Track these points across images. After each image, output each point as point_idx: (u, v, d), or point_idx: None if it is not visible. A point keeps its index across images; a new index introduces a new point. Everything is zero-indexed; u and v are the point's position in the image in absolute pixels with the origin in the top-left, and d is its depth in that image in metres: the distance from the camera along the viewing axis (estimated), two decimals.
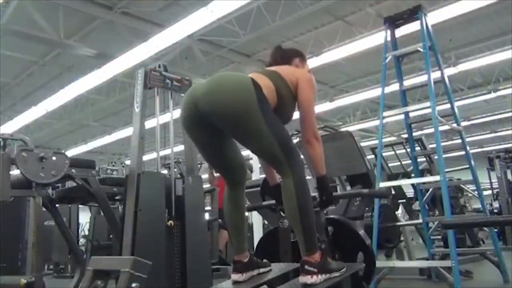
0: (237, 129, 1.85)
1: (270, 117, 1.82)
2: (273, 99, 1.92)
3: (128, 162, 3.86)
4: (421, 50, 3.65)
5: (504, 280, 3.68)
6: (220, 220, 5.13)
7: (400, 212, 6.79)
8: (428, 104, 3.52)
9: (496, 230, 6.46)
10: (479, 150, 15.50)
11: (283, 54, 2.25)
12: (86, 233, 8.29)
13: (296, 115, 2.07)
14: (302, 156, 2.15)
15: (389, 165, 5.38)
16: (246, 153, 3.83)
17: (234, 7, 6.05)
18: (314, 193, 2.07)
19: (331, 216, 2.35)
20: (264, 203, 2.62)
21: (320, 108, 10.92)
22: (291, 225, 1.92)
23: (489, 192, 9.48)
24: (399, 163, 5.55)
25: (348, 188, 4.36)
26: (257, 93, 1.80)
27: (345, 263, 2.02)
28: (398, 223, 4.48)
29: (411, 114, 4.19)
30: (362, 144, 4.36)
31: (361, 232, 2.34)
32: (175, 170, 3.52)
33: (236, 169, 2.06)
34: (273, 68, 2.09)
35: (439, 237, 5.65)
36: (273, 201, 2.43)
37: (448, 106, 3.92)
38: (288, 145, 1.87)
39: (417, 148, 4.80)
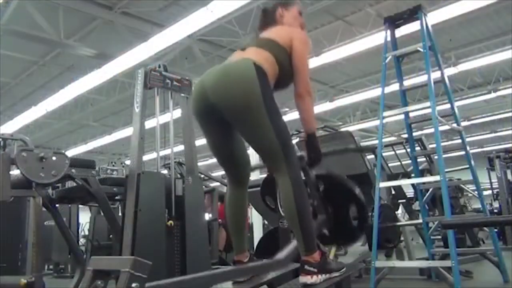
0: (241, 121, 1.87)
1: (273, 112, 1.84)
2: (275, 70, 1.96)
3: (128, 162, 3.85)
4: (421, 50, 3.65)
5: (504, 280, 3.67)
6: (220, 220, 5.14)
7: (400, 212, 6.79)
8: (428, 104, 3.51)
9: (496, 230, 6.45)
10: (479, 150, 15.50)
11: (270, 15, 2.24)
12: (86, 233, 8.29)
13: (293, 115, 2.07)
14: (302, 153, 2.14)
15: (389, 165, 5.38)
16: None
17: (234, 7, 6.05)
18: (300, 153, 2.07)
19: (321, 172, 2.30)
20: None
21: (320, 108, 10.92)
22: (289, 226, 1.93)
23: (489, 192, 9.48)
24: (399, 163, 5.55)
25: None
26: (260, 81, 1.82)
27: (345, 263, 2.02)
28: (398, 223, 4.47)
29: (411, 114, 4.18)
30: (362, 144, 4.36)
31: (352, 185, 2.32)
32: (175, 170, 3.52)
33: (242, 167, 2.07)
34: (268, 35, 2.08)
35: (439, 237, 5.64)
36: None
37: (448, 106, 3.91)
38: (288, 143, 1.89)
39: (417, 148, 4.80)
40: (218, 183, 5.81)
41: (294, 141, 4.51)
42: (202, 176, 4.50)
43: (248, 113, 1.82)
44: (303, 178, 2.03)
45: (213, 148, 2.05)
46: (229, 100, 1.83)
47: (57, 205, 3.41)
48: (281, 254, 2.01)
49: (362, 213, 2.26)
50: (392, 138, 11.56)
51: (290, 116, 9.92)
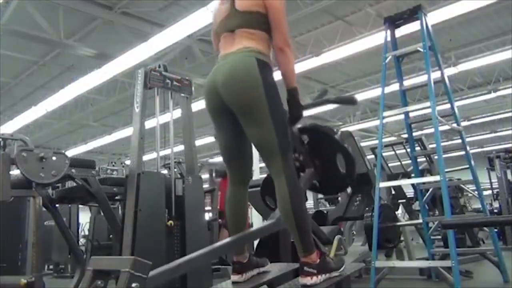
0: (245, 117, 1.92)
1: (275, 109, 1.89)
2: (269, 42, 2.00)
3: (128, 162, 3.85)
4: (421, 50, 3.65)
5: (504, 280, 3.67)
6: (220, 220, 5.13)
7: (400, 212, 6.79)
8: (428, 104, 3.51)
9: (496, 230, 6.45)
10: (479, 150, 15.50)
11: None
12: (86, 233, 8.29)
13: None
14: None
15: (389, 165, 5.38)
16: None
17: None
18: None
19: (303, 125, 2.28)
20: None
21: (320, 108, 10.91)
22: (286, 226, 1.93)
23: (489, 192, 9.48)
24: (399, 163, 5.55)
25: (348, 189, 4.36)
26: (264, 79, 1.87)
27: (345, 262, 2.02)
28: (398, 223, 4.47)
29: (411, 114, 4.18)
30: (362, 144, 4.36)
31: (336, 135, 2.32)
32: (175, 170, 3.51)
33: (246, 167, 2.10)
34: (244, 6, 2.00)
35: (439, 237, 5.65)
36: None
37: (448, 106, 3.91)
38: (287, 143, 1.92)
39: (417, 148, 4.80)
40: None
41: None
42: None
43: (251, 109, 1.88)
44: None
45: (222, 143, 2.08)
46: (236, 98, 1.90)
47: (57, 205, 3.41)
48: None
49: (348, 161, 2.25)
50: (392, 138, 11.59)
51: None
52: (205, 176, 5.04)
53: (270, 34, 2.00)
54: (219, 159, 2.24)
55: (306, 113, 2.08)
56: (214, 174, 5.73)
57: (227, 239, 2.01)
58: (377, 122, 8.92)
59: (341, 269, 1.95)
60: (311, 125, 2.31)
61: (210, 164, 5.47)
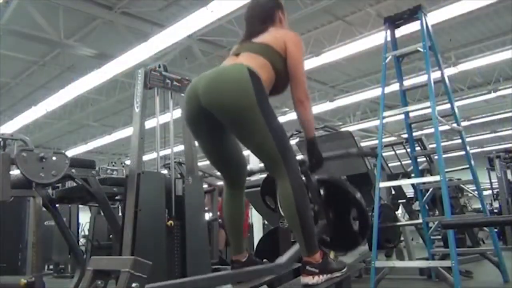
0: (237, 125, 1.85)
1: (269, 115, 1.82)
2: (271, 76, 1.93)
3: (128, 162, 3.85)
4: (421, 50, 3.65)
5: (504, 280, 3.67)
6: (220, 220, 5.13)
7: (400, 212, 6.79)
8: (428, 104, 3.51)
9: (496, 230, 6.45)
10: (479, 150, 15.49)
11: (263, 14, 2.18)
12: (86, 233, 8.29)
13: (292, 116, 2.06)
14: (302, 156, 2.14)
15: (389, 165, 5.38)
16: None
17: (234, 7, 6.05)
18: (300, 156, 2.06)
19: (322, 177, 2.29)
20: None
21: (320, 108, 10.91)
22: (290, 227, 1.92)
23: (489, 192, 9.48)
24: (399, 163, 5.55)
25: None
26: (254, 85, 1.79)
27: (346, 263, 2.02)
28: (398, 223, 4.47)
29: (411, 114, 4.18)
30: (362, 144, 4.36)
31: (353, 189, 2.30)
32: (175, 170, 3.52)
33: (237, 166, 2.06)
34: (262, 40, 2.03)
35: (439, 237, 5.64)
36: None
37: (448, 106, 3.91)
38: (286, 145, 1.87)
39: (417, 148, 4.80)
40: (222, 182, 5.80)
41: (294, 141, 4.53)
42: (204, 174, 4.48)
43: (243, 117, 1.79)
44: (305, 182, 2.02)
45: (205, 152, 2.04)
46: (222, 104, 1.79)
47: (57, 205, 3.41)
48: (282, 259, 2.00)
49: (363, 219, 2.24)
50: (392, 138, 11.58)
51: (290, 116, 9.93)
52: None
53: (274, 65, 1.94)
54: None
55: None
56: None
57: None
58: (377, 122, 8.92)
59: (343, 270, 1.95)
60: (329, 177, 2.32)
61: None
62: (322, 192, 2.27)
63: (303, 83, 1.98)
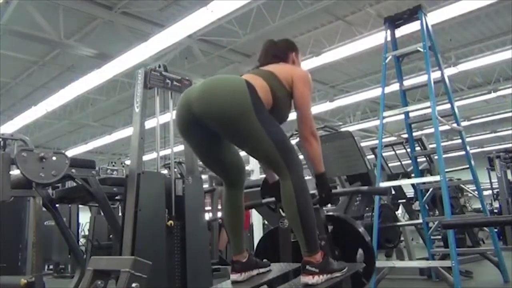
0: (233, 132, 1.83)
1: (265, 118, 1.81)
2: (269, 100, 1.90)
3: (128, 162, 3.85)
4: (421, 50, 3.65)
5: (504, 280, 3.67)
6: (220, 220, 5.13)
7: (400, 212, 6.79)
8: (428, 104, 3.52)
9: (496, 230, 6.45)
10: (479, 150, 15.49)
11: (276, 51, 2.18)
12: (86, 233, 8.29)
13: (293, 115, 2.06)
14: (301, 157, 2.14)
15: (389, 165, 5.38)
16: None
17: (234, 7, 6.05)
18: (313, 191, 2.06)
19: (331, 213, 2.34)
20: (264, 200, 2.62)
21: (320, 108, 10.92)
22: (292, 226, 1.92)
23: (489, 192, 9.47)
24: (399, 163, 5.55)
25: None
26: (251, 94, 1.79)
27: (346, 263, 2.02)
28: (398, 223, 4.48)
29: (411, 114, 4.18)
30: (362, 144, 4.36)
31: (361, 229, 2.32)
32: (175, 170, 3.51)
33: (234, 170, 2.06)
34: (267, 68, 2.05)
35: (439, 237, 5.65)
36: (273, 199, 2.43)
37: (448, 106, 3.91)
38: (285, 145, 1.86)
39: (417, 148, 4.80)
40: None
41: (294, 141, 4.53)
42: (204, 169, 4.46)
43: (239, 124, 1.77)
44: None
45: (201, 158, 2.05)
46: (216, 111, 1.78)
47: (57, 205, 3.41)
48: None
49: (368, 259, 2.24)
50: (392, 138, 11.56)
51: (290, 116, 9.92)
52: (205, 176, 5.05)
53: (273, 90, 1.91)
54: None
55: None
56: (213, 183, 5.73)
57: None
58: (377, 122, 8.92)
59: (343, 270, 1.95)
60: (339, 215, 2.32)
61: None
62: (330, 228, 2.28)
63: (309, 120, 1.98)
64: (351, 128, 11.54)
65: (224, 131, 1.86)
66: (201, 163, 2.38)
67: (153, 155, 3.56)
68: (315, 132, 1.99)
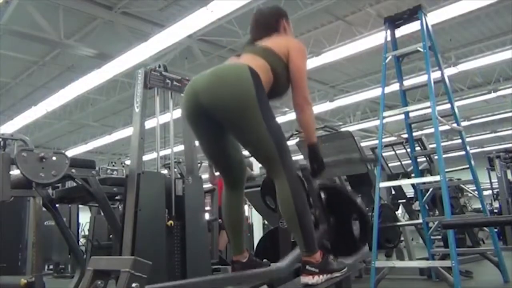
0: (236, 124, 1.85)
1: (268, 114, 1.82)
2: (270, 78, 1.93)
3: (128, 162, 3.85)
4: (421, 50, 3.65)
5: (504, 280, 3.67)
6: (220, 220, 5.12)
7: (400, 212, 6.78)
8: (428, 104, 3.51)
9: (496, 230, 6.45)
10: (479, 150, 15.48)
11: (268, 21, 2.19)
12: (86, 233, 8.29)
13: (292, 116, 2.06)
14: (301, 157, 2.15)
15: (389, 165, 5.38)
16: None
17: (234, 7, 6.05)
18: (305, 162, 2.07)
19: (323, 182, 2.31)
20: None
21: (320, 108, 10.92)
22: (289, 227, 1.92)
23: (489, 192, 9.47)
24: (399, 163, 5.55)
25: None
26: (255, 84, 1.80)
27: (346, 263, 2.02)
28: (398, 223, 4.47)
29: (411, 114, 4.18)
30: (362, 144, 4.36)
31: (353, 194, 2.32)
32: (175, 170, 3.52)
33: (236, 167, 2.06)
34: (264, 43, 2.06)
35: (439, 237, 5.64)
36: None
37: (448, 106, 3.91)
38: (283, 145, 1.87)
39: (417, 148, 4.80)
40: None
41: (294, 141, 4.53)
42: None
43: (242, 115, 1.79)
44: (306, 187, 2.03)
45: (205, 151, 2.05)
46: (222, 103, 1.80)
47: (57, 205, 3.41)
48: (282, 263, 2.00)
49: (364, 225, 2.24)
50: (392, 138, 11.56)
51: (290, 116, 9.94)
52: (205, 176, 5.04)
53: (273, 67, 1.95)
54: None
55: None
56: (214, 169, 5.72)
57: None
58: (377, 122, 8.92)
59: (343, 270, 1.95)
60: (331, 183, 2.32)
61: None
62: (323, 197, 2.27)
63: (304, 89, 1.99)
64: (351, 128, 11.54)
65: (229, 123, 1.87)
66: (199, 160, 2.38)
67: (153, 155, 3.56)
68: (309, 98, 2.00)
